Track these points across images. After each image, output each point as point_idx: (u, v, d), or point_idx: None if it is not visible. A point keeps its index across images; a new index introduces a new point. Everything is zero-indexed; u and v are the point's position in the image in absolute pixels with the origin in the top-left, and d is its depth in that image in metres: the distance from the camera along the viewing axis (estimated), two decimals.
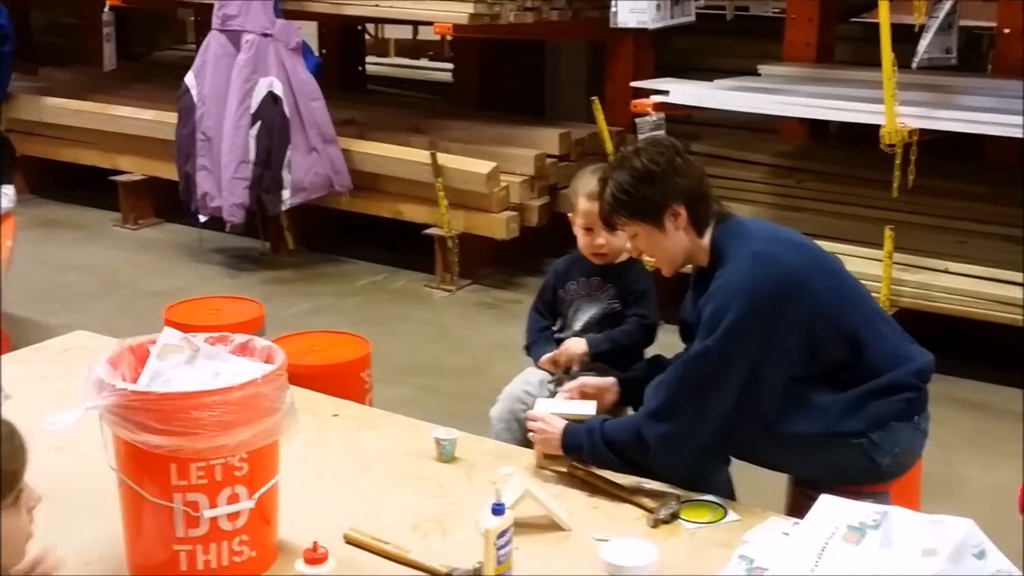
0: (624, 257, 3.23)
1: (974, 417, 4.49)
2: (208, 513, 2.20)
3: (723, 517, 2.55)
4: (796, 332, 2.60)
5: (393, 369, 4.71)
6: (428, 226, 5.97)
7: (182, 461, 2.15)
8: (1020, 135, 4.75)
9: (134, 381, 2.30)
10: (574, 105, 7.15)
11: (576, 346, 3.20)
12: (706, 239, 2.73)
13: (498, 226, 5.83)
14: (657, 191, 2.68)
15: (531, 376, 3.29)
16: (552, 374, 3.22)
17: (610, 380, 3.01)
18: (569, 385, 3.00)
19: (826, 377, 2.67)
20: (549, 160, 6.06)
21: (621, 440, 2.67)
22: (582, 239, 3.25)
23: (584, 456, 2.71)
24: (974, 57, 6.56)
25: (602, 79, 6.51)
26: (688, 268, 2.84)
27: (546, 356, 3.25)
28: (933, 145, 4.84)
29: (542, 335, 3.34)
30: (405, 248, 6.22)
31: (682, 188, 2.69)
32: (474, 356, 5.09)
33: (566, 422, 2.74)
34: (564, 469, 2.73)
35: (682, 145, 2.85)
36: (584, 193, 3.17)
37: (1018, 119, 4.70)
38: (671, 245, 2.73)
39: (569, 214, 3.31)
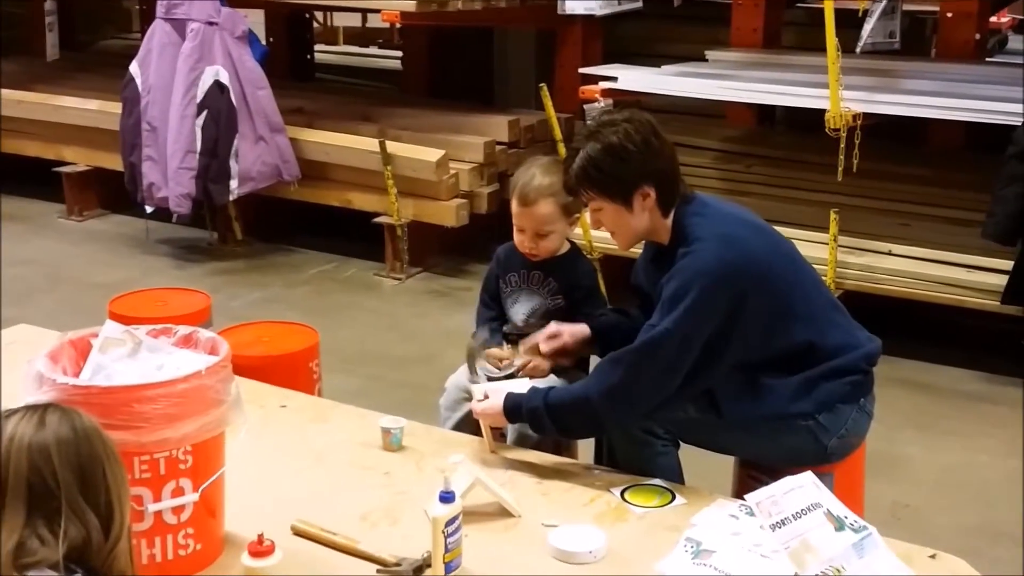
0: (566, 248, 3.14)
1: (917, 396, 4.55)
2: (152, 507, 2.19)
3: (671, 501, 2.57)
4: (753, 316, 2.61)
5: (343, 359, 4.69)
6: (377, 214, 5.95)
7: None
8: (963, 118, 4.82)
9: (76, 375, 2.28)
10: (523, 92, 7.15)
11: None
12: (669, 219, 2.72)
13: (448, 214, 5.81)
14: (630, 171, 2.64)
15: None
16: (498, 368, 3.18)
17: (583, 327, 2.97)
18: (549, 329, 2.96)
19: (778, 361, 2.68)
20: (499, 147, 6.05)
21: (566, 411, 2.67)
22: (515, 235, 3.11)
23: (523, 419, 2.71)
24: (918, 41, 6.62)
25: (551, 66, 6.52)
26: None
27: (492, 350, 3.13)
28: (878, 129, 4.89)
29: (488, 326, 3.28)
30: (355, 237, 6.19)
31: (654, 170, 2.66)
32: (425, 345, 5.08)
33: (508, 391, 2.73)
34: (513, 455, 2.74)
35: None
36: (518, 195, 3.01)
37: (960, 102, 4.77)
38: (635, 224, 2.71)
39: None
